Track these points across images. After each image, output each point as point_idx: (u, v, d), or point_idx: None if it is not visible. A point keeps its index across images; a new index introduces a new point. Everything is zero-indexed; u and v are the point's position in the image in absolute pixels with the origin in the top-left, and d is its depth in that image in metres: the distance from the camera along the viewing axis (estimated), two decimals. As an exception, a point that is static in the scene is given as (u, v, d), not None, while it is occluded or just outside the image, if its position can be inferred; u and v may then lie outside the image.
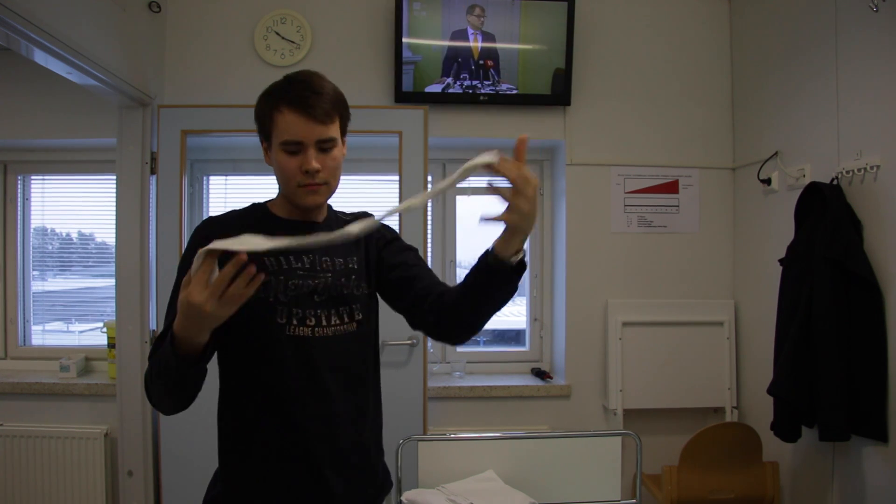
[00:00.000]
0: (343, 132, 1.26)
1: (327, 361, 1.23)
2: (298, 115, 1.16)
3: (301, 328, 1.21)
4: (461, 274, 3.12)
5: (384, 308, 1.39)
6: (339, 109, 1.22)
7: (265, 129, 1.23)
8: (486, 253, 1.09)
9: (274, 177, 1.27)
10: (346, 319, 1.26)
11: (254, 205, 1.33)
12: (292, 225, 1.25)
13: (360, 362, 1.31)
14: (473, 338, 1.35)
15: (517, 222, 1.01)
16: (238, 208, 1.33)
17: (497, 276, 1.09)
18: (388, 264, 1.33)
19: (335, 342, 1.24)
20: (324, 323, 1.23)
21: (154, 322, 2.58)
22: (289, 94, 1.18)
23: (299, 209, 1.25)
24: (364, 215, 1.32)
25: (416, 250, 1.39)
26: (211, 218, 1.30)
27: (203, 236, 1.16)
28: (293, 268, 1.22)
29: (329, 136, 1.19)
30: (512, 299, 1.17)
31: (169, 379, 1.08)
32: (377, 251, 1.34)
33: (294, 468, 1.22)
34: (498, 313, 1.23)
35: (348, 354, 1.27)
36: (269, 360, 1.21)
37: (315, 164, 1.18)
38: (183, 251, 1.28)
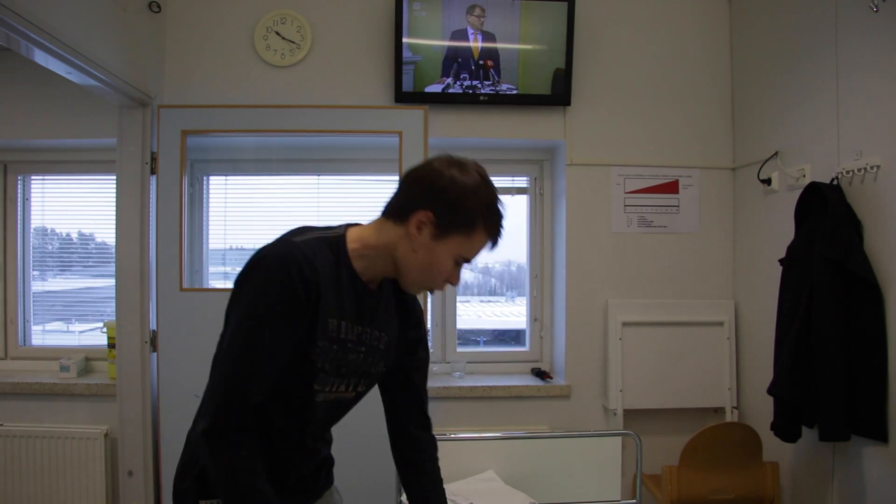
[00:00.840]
0: None
1: (329, 420, 1.29)
2: (486, 246, 1.18)
3: (329, 395, 1.21)
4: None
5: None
6: None
7: (455, 222, 1.13)
8: None
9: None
10: (351, 389, 1.25)
11: (338, 244, 1.17)
12: (355, 286, 1.18)
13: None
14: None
15: None
16: (321, 237, 1.16)
17: None
18: (406, 359, 1.36)
19: (337, 405, 1.26)
20: (351, 389, 1.25)
21: (154, 322, 2.58)
22: (498, 223, 1.17)
23: (382, 276, 1.22)
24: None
25: (427, 339, 1.42)
26: (303, 260, 1.08)
27: (295, 282, 1.06)
28: (347, 338, 1.18)
29: None
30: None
31: None
32: (405, 330, 1.33)
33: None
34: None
35: (344, 411, 1.31)
36: (291, 414, 1.19)
37: (457, 282, 1.22)
38: (261, 286, 1.08)
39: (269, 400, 1.12)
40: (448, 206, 1.12)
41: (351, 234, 1.19)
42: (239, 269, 1.13)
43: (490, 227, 1.15)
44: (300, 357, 1.12)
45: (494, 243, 1.18)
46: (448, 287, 1.31)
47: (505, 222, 1.18)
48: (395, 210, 1.16)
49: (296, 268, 1.06)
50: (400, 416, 1.37)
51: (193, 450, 1.19)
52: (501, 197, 1.18)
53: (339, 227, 1.22)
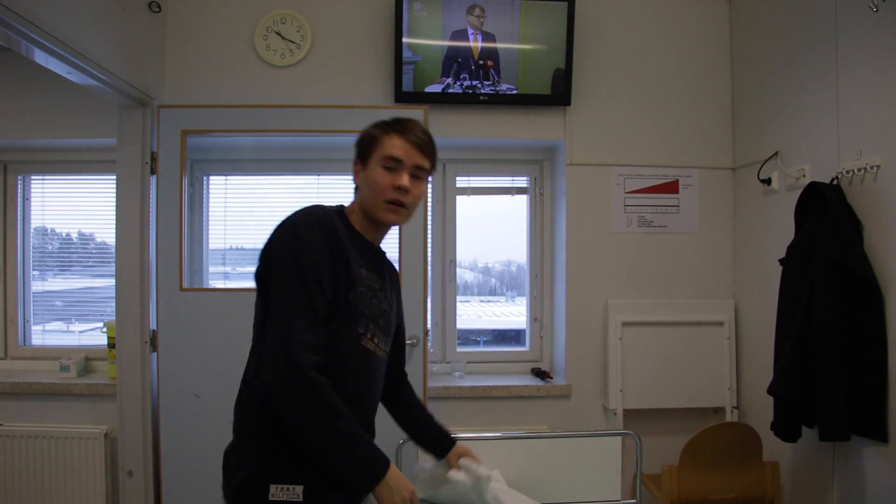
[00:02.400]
0: (430, 175, 1.45)
1: (378, 378, 1.42)
2: (403, 140, 1.37)
3: (370, 342, 1.35)
4: (461, 274, 3.12)
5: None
6: (434, 153, 1.43)
7: (367, 148, 1.38)
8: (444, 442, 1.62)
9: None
10: (382, 345, 1.41)
11: (340, 209, 1.42)
12: (364, 243, 1.40)
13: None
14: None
15: None
16: (328, 207, 1.37)
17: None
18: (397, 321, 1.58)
19: (384, 364, 1.44)
20: (381, 346, 1.40)
21: (154, 322, 2.58)
22: (399, 124, 1.39)
23: (373, 225, 1.41)
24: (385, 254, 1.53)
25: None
26: (324, 217, 1.30)
27: (327, 232, 1.27)
28: (374, 287, 1.37)
29: (423, 165, 1.39)
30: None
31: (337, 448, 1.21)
32: (398, 300, 1.55)
33: None
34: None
35: (379, 379, 1.45)
36: (338, 361, 1.28)
37: (407, 183, 1.35)
38: (294, 242, 1.26)
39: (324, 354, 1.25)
40: (360, 145, 1.41)
41: (347, 207, 1.45)
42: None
43: (391, 127, 1.39)
44: (343, 302, 1.27)
45: (406, 132, 1.37)
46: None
47: (411, 122, 1.41)
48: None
49: (325, 221, 1.28)
50: (389, 374, 1.55)
51: (247, 435, 1.29)
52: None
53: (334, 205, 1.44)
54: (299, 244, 1.24)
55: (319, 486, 1.25)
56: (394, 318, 1.48)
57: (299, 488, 1.24)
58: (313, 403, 1.17)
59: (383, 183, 1.35)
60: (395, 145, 1.36)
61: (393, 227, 1.49)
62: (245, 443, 1.29)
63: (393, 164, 1.35)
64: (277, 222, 1.31)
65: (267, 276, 1.27)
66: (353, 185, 1.44)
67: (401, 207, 1.36)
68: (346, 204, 1.46)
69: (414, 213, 1.43)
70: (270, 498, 1.23)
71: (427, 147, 1.39)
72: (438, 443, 1.63)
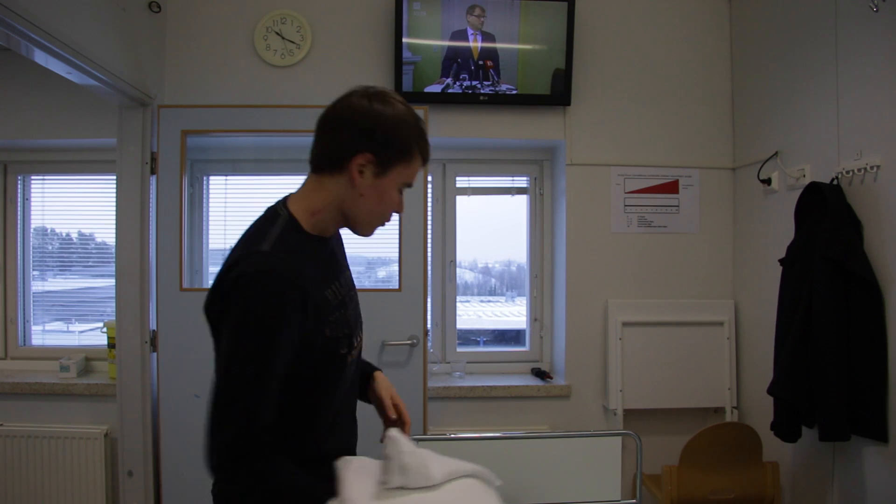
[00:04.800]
0: None
1: (356, 377, 1.31)
2: (421, 169, 1.21)
3: (351, 355, 1.22)
4: (461, 274, 3.12)
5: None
6: None
7: (394, 154, 1.14)
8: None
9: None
10: (357, 342, 1.27)
11: (287, 222, 1.16)
12: (318, 242, 1.20)
13: None
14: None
15: None
16: (274, 230, 1.13)
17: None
18: None
19: (354, 369, 1.28)
20: (358, 344, 1.26)
21: (154, 322, 2.58)
22: (426, 147, 1.20)
23: (338, 224, 1.22)
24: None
25: None
26: (287, 272, 1.06)
27: (289, 294, 1.05)
28: (340, 294, 1.20)
29: None
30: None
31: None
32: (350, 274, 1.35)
33: None
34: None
35: (356, 381, 1.33)
36: (331, 386, 1.20)
37: (403, 209, 1.23)
38: (254, 309, 1.04)
39: (300, 382, 1.12)
40: (384, 143, 1.13)
41: (295, 209, 1.18)
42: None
43: (423, 149, 1.19)
44: (320, 342, 1.12)
45: (426, 162, 1.21)
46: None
47: (427, 139, 1.21)
48: (328, 162, 1.16)
49: (283, 283, 1.05)
50: None
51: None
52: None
53: (278, 205, 1.20)
54: (252, 314, 1.04)
55: None
56: (356, 299, 1.32)
57: None
58: (263, 490, 1.04)
59: (392, 207, 1.20)
60: (417, 172, 1.20)
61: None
62: None
63: (402, 190, 1.21)
64: (232, 250, 1.13)
65: (216, 327, 1.13)
66: (318, 169, 1.18)
67: None
68: (289, 197, 1.22)
69: None
70: None
71: None
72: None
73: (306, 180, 1.21)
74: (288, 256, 1.08)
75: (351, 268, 1.37)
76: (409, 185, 1.21)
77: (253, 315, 1.04)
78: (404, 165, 1.16)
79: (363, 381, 1.38)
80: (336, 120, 1.15)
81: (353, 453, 1.28)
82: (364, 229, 1.22)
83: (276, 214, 1.18)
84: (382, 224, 1.23)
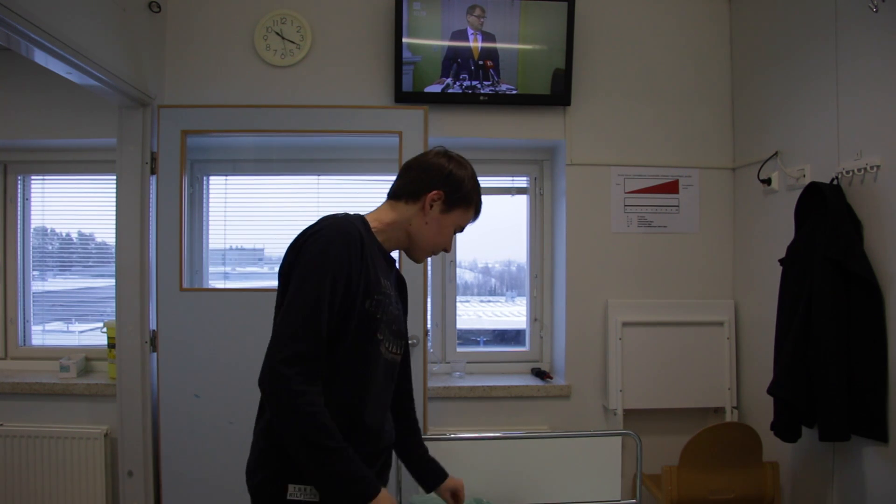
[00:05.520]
0: None
1: (390, 383, 1.45)
2: (473, 220, 1.54)
3: (385, 346, 1.38)
4: (461, 274, 3.12)
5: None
6: None
7: (459, 198, 1.45)
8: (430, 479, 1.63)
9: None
10: (398, 350, 1.45)
11: (360, 218, 1.41)
12: (384, 254, 1.44)
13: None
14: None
15: None
16: (353, 218, 1.37)
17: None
18: None
19: (391, 368, 1.43)
20: (394, 350, 1.43)
21: (154, 322, 2.58)
22: (481, 204, 1.52)
23: (397, 244, 1.47)
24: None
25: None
26: (352, 231, 1.31)
27: (351, 248, 1.28)
28: (389, 294, 1.39)
29: None
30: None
31: (330, 475, 1.19)
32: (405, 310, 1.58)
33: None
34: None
35: (393, 382, 1.48)
36: (356, 366, 1.32)
37: (451, 249, 1.55)
38: (319, 257, 1.26)
39: (340, 359, 1.28)
40: (454, 187, 1.44)
41: (368, 216, 1.43)
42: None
43: (478, 203, 1.52)
44: (360, 311, 1.30)
45: (477, 216, 1.53)
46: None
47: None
48: (406, 192, 1.44)
49: (353, 235, 1.29)
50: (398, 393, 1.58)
51: (267, 439, 1.30)
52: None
53: (353, 214, 1.42)
54: (322, 257, 1.25)
55: None
56: (405, 323, 1.52)
57: None
58: (295, 417, 1.18)
59: (446, 242, 1.50)
60: (470, 218, 1.51)
61: None
62: (264, 445, 1.31)
63: (458, 232, 1.52)
64: (308, 224, 1.34)
65: (287, 279, 1.30)
66: (395, 197, 1.45)
67: None
68: (364, 213, 1.46)
69: None
70: (289, 497, 1.26)
71: None
72: (429, 474, 1.65)
73: (381, 205, 1.48)
74: (357, 227, 1.32)
75: None
76: (461, 230, 1.51)
77: (326, 252, 1.25)
78: (464, 210, 1.47)
79: (437, 478, 1.64)
80: (423, 164, 1.46)
81: (384, 439, 1.42)
82: (419, 254, 1.49)
83: (348, 214, 1.40)
84: (434, 254, 1.51)
